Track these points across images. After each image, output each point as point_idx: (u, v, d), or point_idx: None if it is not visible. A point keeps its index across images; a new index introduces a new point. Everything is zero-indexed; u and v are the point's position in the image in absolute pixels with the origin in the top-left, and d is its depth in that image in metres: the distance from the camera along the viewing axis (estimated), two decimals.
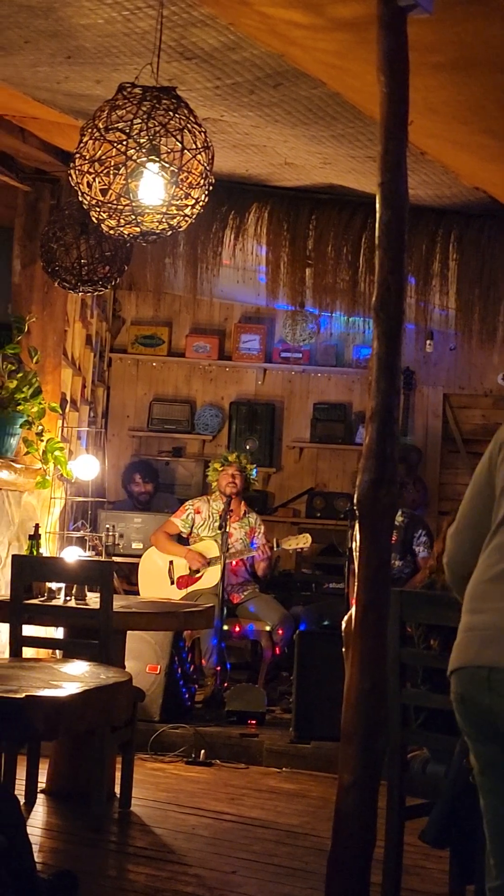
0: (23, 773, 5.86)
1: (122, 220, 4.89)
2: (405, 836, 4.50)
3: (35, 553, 6.82)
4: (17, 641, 6.01)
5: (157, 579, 8.47)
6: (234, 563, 8.34)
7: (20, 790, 5.77)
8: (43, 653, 6.70)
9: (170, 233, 5.02)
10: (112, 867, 5.20)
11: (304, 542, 8.36)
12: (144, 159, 4.71)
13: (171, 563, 8.47)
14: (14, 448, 7.28)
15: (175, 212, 4.88)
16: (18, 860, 3.78)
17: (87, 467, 8.11)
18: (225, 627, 7.97)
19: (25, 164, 7.61)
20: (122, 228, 4.95)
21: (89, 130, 4.76)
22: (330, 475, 10.08)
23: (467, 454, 9.69)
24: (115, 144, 4.68)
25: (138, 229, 4.93)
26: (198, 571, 8.38)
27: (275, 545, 8.36)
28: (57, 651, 6.46)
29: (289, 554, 9.16)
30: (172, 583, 8.42)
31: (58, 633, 6.90)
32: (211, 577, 8.28)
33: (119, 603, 6.23)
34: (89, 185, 4.82)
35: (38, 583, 6.40)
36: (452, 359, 9.75)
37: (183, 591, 8.35)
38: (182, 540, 8.56)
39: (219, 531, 8.20)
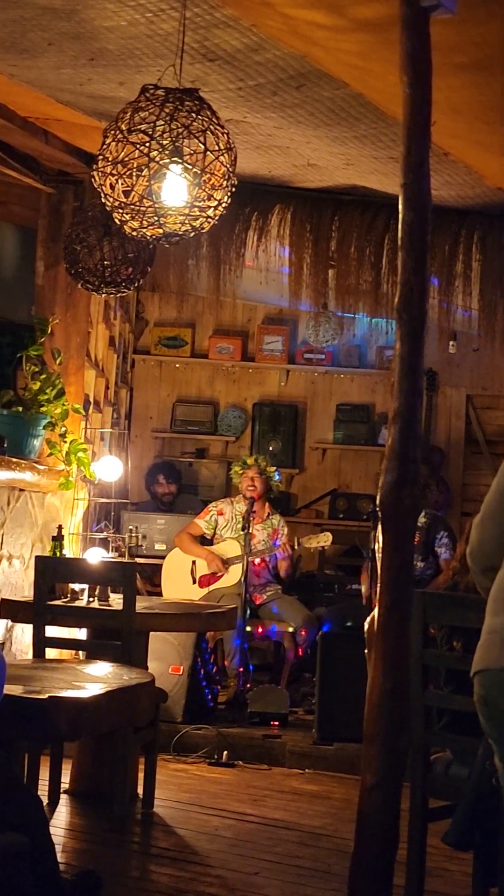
0: (46, 773, 5.87)
1: (144, 222, 4.90)
2: (428, 838, 4.49)
3: (58, 554, 6.84)
4: (41, 642, 6.02)
5: (179, 578, 8.49)
6: (256, 562, 8.35)
7: (43, 791, 5.78)
8: (66, 654, 6.71)
9: (192, 234, 5.03)
10: (135, 868, 5.21)
11: (324, 540, 8.35)
12: (167, 161, 4.71)
13: (193, 562, 8.49)
14: (37, 449, 7.30)
15: (198, 213, 4.89)
16: (42, 860, 3.79)
17: (110, 468, 8.12)
18: (248, 628, 7.97)
19: (49, 166, 7.63)
20: (144, 230, 4.96)
21: (112, 132, 4.77)
22: (353, 476, 10.06)
23: (490, 455, 9.66)
24: (138, 146, 4.69)
25: (161, 231, 4.94)
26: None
27: (296, 544, 8.36)
28: (80, 652, 6.47)
29: (311, 554, 9.16)
30: (195, 581, 8.44)
31: (81, 634, 6.91)
32: (233, 576, 8.29)
33: (142, 604, 6.24)
34: (112, 187, 4.83)
35: (61, 584, 6.42)
36: (475, 360, 9.73)
37: (205, 590, 8.37)
38: (206, 541, 8.57)
39: (242, 532, 8.22)
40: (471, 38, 4.38)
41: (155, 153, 4.69)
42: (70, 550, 7.56)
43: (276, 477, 8.63)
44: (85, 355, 8.01)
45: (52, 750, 5.96)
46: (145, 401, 10.25)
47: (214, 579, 8.40)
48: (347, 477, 10.07)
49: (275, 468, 8.66)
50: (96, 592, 6.34)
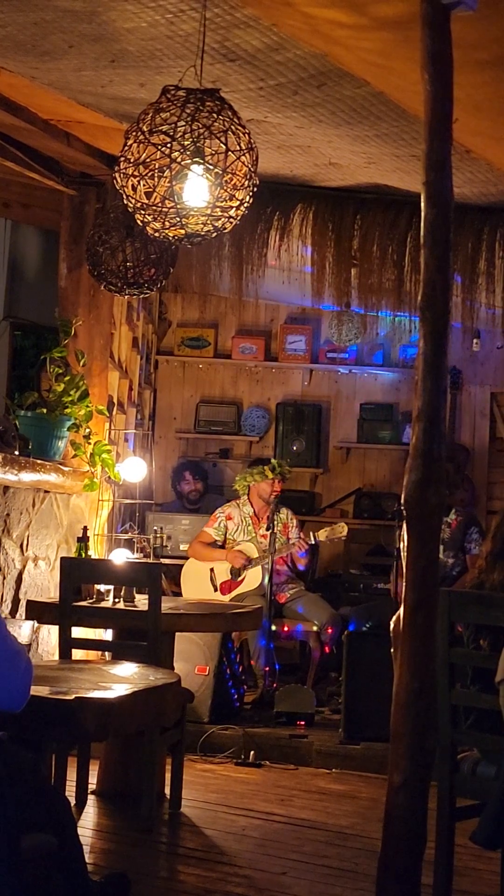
0: (73, 774, 5.89)
1: (167, 223, 4.91)
2: (456, 837, 4.48)
3: (83, 555, 6.86)
4: (67, 643, 6.04)
5: (200, 587, 8.47)
6: (277, 560, 8.34)
7: (71, 791, 5.80)
8: (92, 655, 6.73)
9: (215, 235, 5.03)
10: (163, 868, 5.22)
11: (340, 532, 8.33)
12: (189, 161, 4.71)
13: (211, 570, 8.47)
14: (62, 451, 7.32)
15: (220, 213, 4.89)
16: (70, 861, 3.80)
17: (134, 469, 8.14)
18: (273, 628, 7.97)
19: (71, 168, 7.65)
20: (167, 231, 4.96)
21: (134, 133, 4.77)
22: (377, 475, 10.05)
23: None
24: (160, 147, 4.69)
25: (183, 231, 4.94)
26: (240, 574, 8.39)
27: (311, 538, 8.35)
28: (106, 653, 6.49)
29: (331, 549, 9.15)
30: (216, 590, 8.42)
31: (107, 634, 6.93)
32: (253, 579, 8.29)
33: (167, 604, 6.25)
34: (134, 188, 4.83)
35: (86, 585, 6.43)
36: (500, 357, 9.69)
37: (228, 596, 8.35)
38: (218, 548, 8.57)
39: (254, 534, 8.31)
40: (492, 35, 4.37)
41: (176, 154, 4.69)
42: (95, 551, 7.58)
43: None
44: (108, 357, 8.03)
45: (80, 751, 5.97)
46: (169, 401, 10.26)
47: (235, 585, 8.38)
48: (372, 476, 10.05)
49: (289, 469, 8.70)
50: (122, 593, 6.35)
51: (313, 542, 8.37)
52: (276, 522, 8.38)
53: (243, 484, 8.55)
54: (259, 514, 8.46)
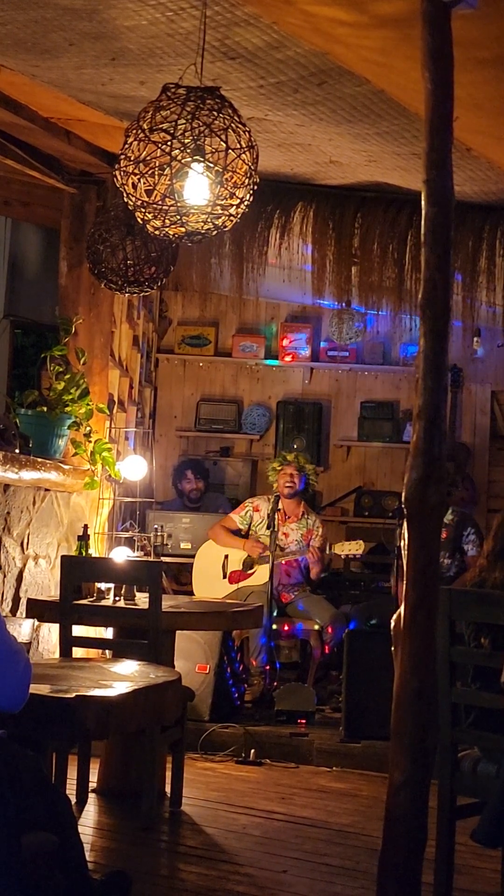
0: (74, 772, 5.90)
1: (167, 221, 4.90)
2: (456, 835, 4.48)
3: (84, 554, 6.86)
4: (67, 642, 6.04)
5: (210, 572, 8.48)
6: (284, 562, 8.33)
7: (71, 790, 5.80)
8: (93, 653, 6.72)
9: (215, 233, 5.02)
10: (164, 866, 5.22)
11: (356, 548, 8.32)
12: (189, 159, 4.71)
13: (226, 556, 8.48)
14: (62, 449, 7.32)
15: (220, 212, 4.88)
16: (70, 860, 3.79)
17: (135, 468, 8.14)
18: (274, 626, 7.97)
19: (71, 166, 7.65)
20: (167, 229, 4.95)
21: (134, 131, 4.76)
22: (378, 474, 10.04)
23: None
24: (160, 145, 4.69)
25: (183, 230, 4.94)
26: (251, 567, 8.39)
27: (326, 549, 8.34)
28: (107, 651, 6.49)
29: (339, 556, 9.16)
30: (225, 576, 8.43)
31: (107, 633, 6.93)
32: (262, 575, 8.28)
33: (168, 603, 6.25)
34: (134, 186, 4.82)
35: (87, 583, 6.43)
36: (500, 356, 9.69)
37: (234, 587, 8.36)
38: (240, 537, 8.58)
39: (268, 531, 8.25)
40: (492, 34, 4.36)
41: (177, 152, 4.68)
42: (96, 550, 7.58)
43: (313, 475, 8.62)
44: (109, 355, 8.03)
45: (80, 749, 5.97)
46: (169, 400, 10.25)
47: (244, 576, 8.40)
48: (372, 474, 10.05)
49: (313, 466, 8.64)
50: (122, 591, 6.35)
51: (328, 553, 8.36)
52: (301, 527, 8.40)
53: (272, 479, 8.55)
54: (286, 510, 8.43)
